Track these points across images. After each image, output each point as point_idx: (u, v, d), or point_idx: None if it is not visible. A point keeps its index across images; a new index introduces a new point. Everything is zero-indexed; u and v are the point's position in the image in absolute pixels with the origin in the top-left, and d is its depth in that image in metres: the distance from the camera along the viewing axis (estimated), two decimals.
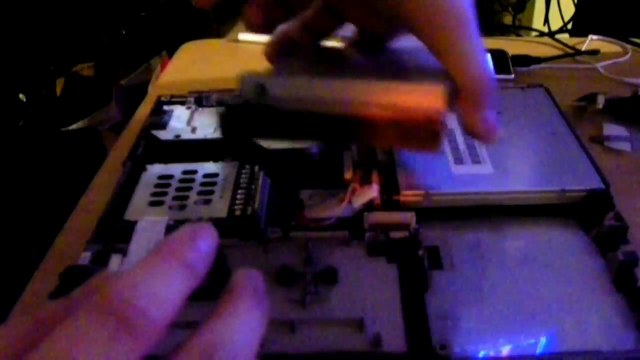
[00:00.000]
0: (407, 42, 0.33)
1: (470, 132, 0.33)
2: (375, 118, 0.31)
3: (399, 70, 0.36)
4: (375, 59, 0.37)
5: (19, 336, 0.17)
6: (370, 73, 0.33)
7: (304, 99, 0.32)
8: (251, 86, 0.33)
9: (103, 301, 0.16)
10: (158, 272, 0.18)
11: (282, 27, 0.38)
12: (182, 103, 0.56)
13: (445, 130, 0.32)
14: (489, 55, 0.69)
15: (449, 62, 0.31)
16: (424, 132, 0.31)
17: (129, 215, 0.41)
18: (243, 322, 0.18)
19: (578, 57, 0.74)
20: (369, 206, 0.42)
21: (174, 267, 0.18)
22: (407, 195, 0.42)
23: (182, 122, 0.53)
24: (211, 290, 0.21)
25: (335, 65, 0.37)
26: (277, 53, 0.39)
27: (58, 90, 0.90)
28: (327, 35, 0.39)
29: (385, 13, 0.32)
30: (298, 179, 0.46)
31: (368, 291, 0.35)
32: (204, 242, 0.19)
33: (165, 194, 0.43)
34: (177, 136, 0.51)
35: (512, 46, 0.73)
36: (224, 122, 0.34)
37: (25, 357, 0.16)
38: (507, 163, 0.45)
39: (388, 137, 0.32)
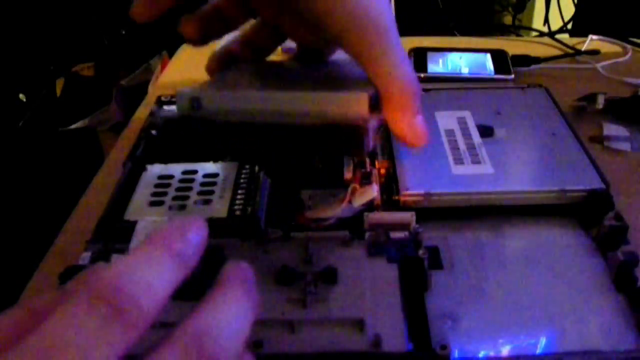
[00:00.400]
0: (345, 55, 0.34)
1: (398, 137, 0.34)
2: (304, 126, 0.32)
3: (334, 81, 0.37)
4: (313, 72, 0.38)
5: (13, 325, 0.17)
6: (305, 84, 0.34)
7: (236, 111, 0.33)
8: (185, 100, 0.34)
9: (94, 288, 0.17)
10: (148, 261, 0.18)
11: (224, 42, 0.39)
12: None
13: (370, 135, 0.33)
14: (488, 55, 0.69)
15: (371, 72, 0.32)
16: (350, 138, 0.32)
17: (129, 215, 0.41)
18: (231, 311, 0.19)
19: (578, 57, 0.74)
20: (369, 206, 0.42)
21: (163, 257, 0.18)
22: (407, 195, 0.42)
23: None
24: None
25: (272, 78, 0.38)
26: (217, 67, 0.40)
27: (58, 90, 0.90)
28: (268, 50, 0.40)
29: (316, 28, 0.33)
30: (298, 179, 0.46)
31: (368, 291, 0.35)
32: (194, 234, 0.19)
33: (165, 194, 0.43)
34: None
35: (512, 46, 0.73)
36: (162, 135, 0.35)
37: (19, 343, 0.16)
38: (507, 163, 0.45)
39: (316, 143, 0.33)
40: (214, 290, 0.19)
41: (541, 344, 0.34)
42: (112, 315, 0.16)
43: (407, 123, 0.33)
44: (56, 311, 0.16)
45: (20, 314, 0.18)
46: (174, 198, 0.43)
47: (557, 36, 0.81)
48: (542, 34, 0.89)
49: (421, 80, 0.63)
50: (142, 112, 0.63)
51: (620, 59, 0.73)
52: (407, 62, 0.33)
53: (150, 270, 0.18)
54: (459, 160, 0.46)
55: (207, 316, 0.18)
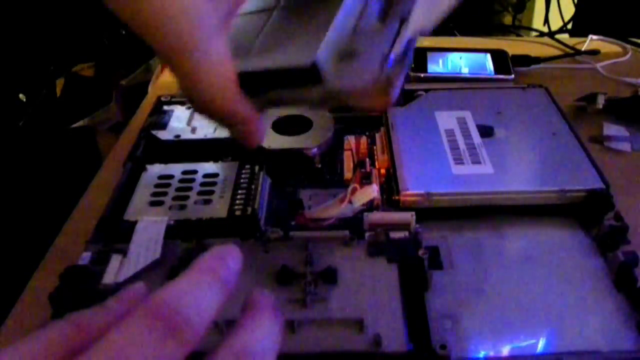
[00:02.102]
0: None
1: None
2: None
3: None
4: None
5: (62, 339, 0.19)
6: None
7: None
8: None
9: (152, 309, 0.19)
10: (197, 286, 0.20)
11: None
12: (182, 103, 0.56)
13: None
14: (488, 55, 0.69)
15: None
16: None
17: (129, 215, 0.41)
18: (266, 332, 0.21)
19: (578, 57, 0.74)
20: (369, 206, 0.42)
21: (210, 282, 0.20)
22: (407, 195, 0.42)
23: (182, 122, 0.53)
24: None
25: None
26: None
27: (58, 90, 0.90)
28: None
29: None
30: (298, 179, 0.46)
31: (368, 291, 0.35)
32: (233, 261, 0.22)
33: (165, 194, 0.43)
34: (177, 136, 0.51)
35: (512, 46, 0.73)
36: None
37: (82, 355, 0.17)
38: (507, 163, 0.45)
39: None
40: (247, 314, 0.22)
41: (541, 344, 0.34)
42: (169, 332, 0.18)
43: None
44: (117, 327, 0.18)
45: (68, 328, 0.19)
46: (174, 198, 0.43)
47: (557, 36, 0.81)
48: (542, 34, 0.89)
49: (421, 80, 0.63)
50: (142, 112, 0.63)
51: (620, 59, 0.73)
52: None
53: (199, 294, 0.20)
54: (459, 160, 0.46)
55: (246, 336, 0.21)
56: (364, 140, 0.51)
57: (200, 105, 0.29)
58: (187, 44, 0.26)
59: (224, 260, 0.21)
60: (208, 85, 0.28)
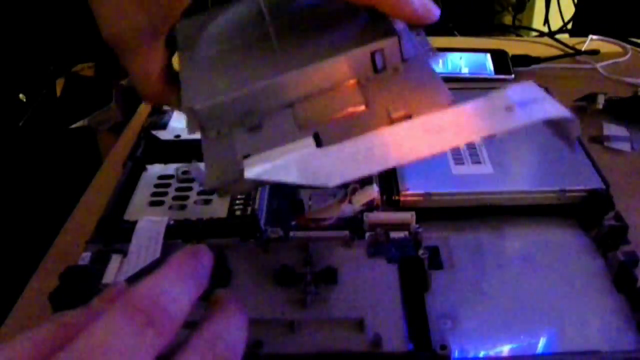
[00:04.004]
0: None
1: (406, 19, 0.31)
2: None
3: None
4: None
5: (47, 337, 0.20)
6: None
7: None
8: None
9: (132, 300, 0.20)
10: (173, 280, 0.21)
11: None
12: None
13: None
14: (488, 55, 0.69)
15: None
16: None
17: (129, 215, 0.41)
18: (233, 322, 0.23)
19: (578, 57, 0.74)
20: (369, 206, 0.42)
21: (184, 277, 0.22)
22: (407, 195, 0.42)
23: (182, 122, 0.53)
24: (214, 289, 0.23)
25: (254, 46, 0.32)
26: None
27: (58, 90, 0.90)
28: None
29: None
30: None
31: (368, 291, 0.35)
32: (205, 259, 0.23)
33: (165, 194, 0.43)
34: (177, 136, 0.51)
35: (512, 46, 0.73)
36: None
37: (65, 348, 0.18)
38: (507, 163, 0.45)
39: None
40: (214, 308, 0.23)
41: (541, 344, 0.34)
42: (147, 322, 0.19)
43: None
44: (98, 320, 0.19)
45: (52, 328, 0.20)
46: (174, 198, 0.43)
47: (557, 36, 0.81)
48: (542, 34, 0.89)
49: None
50: (142, 112, 0.63)
51: (620, 59, 0.73)
52: None
53: (175, 288, 0.21)
54: (459, 160, 0.46)
55: (217, 326, 0.22)
56: None
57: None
58: (119, 45, 0.31)
59: (197, 259, 0.23)
60: (136, 78, 0.32)
